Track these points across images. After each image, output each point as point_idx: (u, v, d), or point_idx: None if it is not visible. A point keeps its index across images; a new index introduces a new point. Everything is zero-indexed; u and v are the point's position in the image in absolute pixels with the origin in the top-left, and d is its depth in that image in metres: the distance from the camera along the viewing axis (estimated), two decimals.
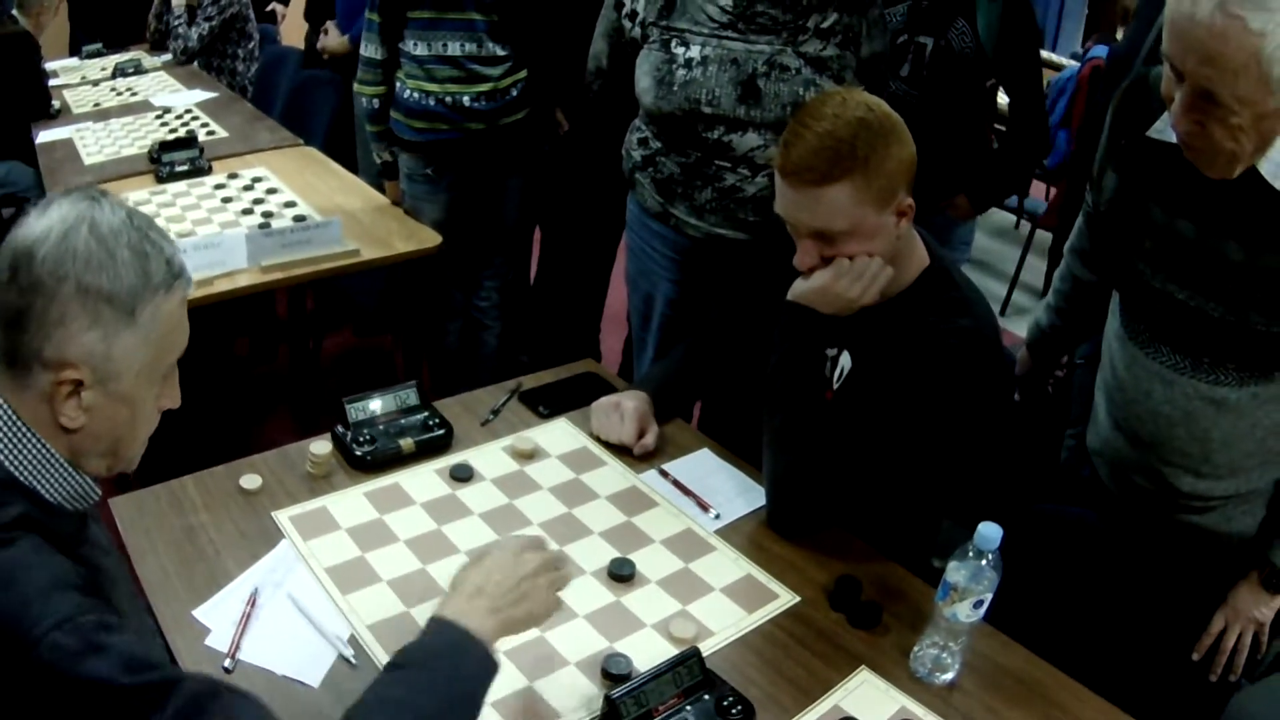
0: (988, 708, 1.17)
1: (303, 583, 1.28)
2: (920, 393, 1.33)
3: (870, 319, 1.37)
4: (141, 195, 2.61)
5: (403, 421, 1.55)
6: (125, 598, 1.02)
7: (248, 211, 2.55)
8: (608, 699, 1.05)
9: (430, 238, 2.46)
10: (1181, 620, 1.45)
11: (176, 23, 3.90)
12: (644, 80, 1.85)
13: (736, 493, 1.50)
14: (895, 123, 1.30)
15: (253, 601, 1.23)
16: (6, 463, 0.85)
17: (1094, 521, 1.59)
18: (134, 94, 3.59)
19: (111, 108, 3.45)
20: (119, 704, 0.78)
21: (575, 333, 3.01)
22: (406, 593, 1.27)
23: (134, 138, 3.08)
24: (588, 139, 2.65)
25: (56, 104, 3.41)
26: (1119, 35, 3.59)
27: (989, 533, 1.13)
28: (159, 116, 3.31)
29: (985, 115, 2.43)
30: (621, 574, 1.31)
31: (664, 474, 1.53)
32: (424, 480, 1.48)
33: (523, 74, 2.50)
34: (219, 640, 1.18)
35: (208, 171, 2.78)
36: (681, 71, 1.79)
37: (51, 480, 0.88)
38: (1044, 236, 4.37)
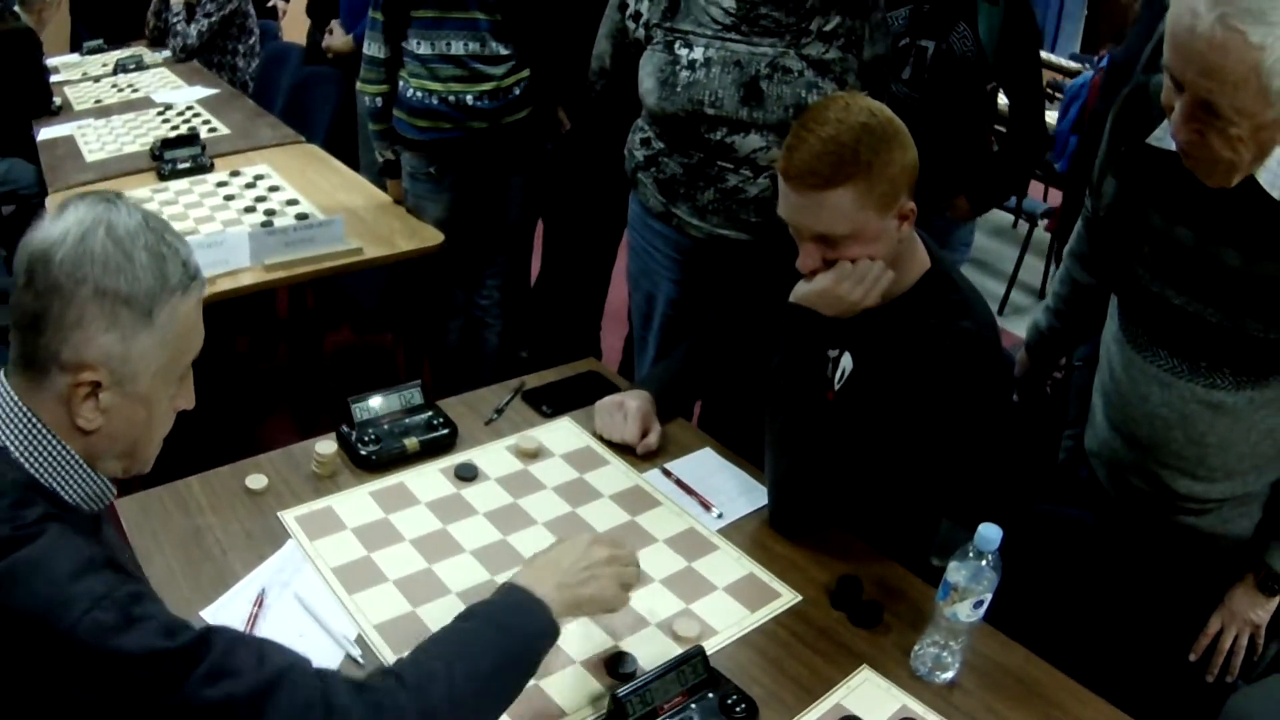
0: (987, 707, 1.18)
1: (309, 583, 1.29)
2: (920, 394, 1.34)
3: (872, 321, 1.39)
4: (144, 193, 2.60)
5: (407, 421, 1.56)
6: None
7: (250, 209, 2.55)
8: (614, 697, 1.06)
9: (432, 236, 2.47)
10: (1179, 621, 1.47)
11: (175, 20, 3.90)
12: (647, 81, 1.86)
13: (738, 492, 1.52)
14: (898, 128, 1.31)
15: (260, 602, 1.24)
16: (26, 464, 0.86)
17: (1092, 523, 1.60)
18: (135, 90, 3.59)
19: (113, 104, 3.45)
20: (163, 668, 0.80)
21: (576, 331, 3.02)
22: (413, 592, 1.28)
23: (135, 135, 3.09)
24: (589, 138, 2.66)
25: (58, 100, 3.41)
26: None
27: (989, 534, 1.14)
28: (160, 113, 3.31)
29: (985, 118, 2.44)
30: None
31: (667, 473, 1.54)
32: (429, 480, 1.49)
33: (525, 73, 2.51)
34: None
35: (210, 169, 2.78)
36: (685, 73, 1.80)
37: (71, 481, 0.89)
38: (1042, 236, 4.39)
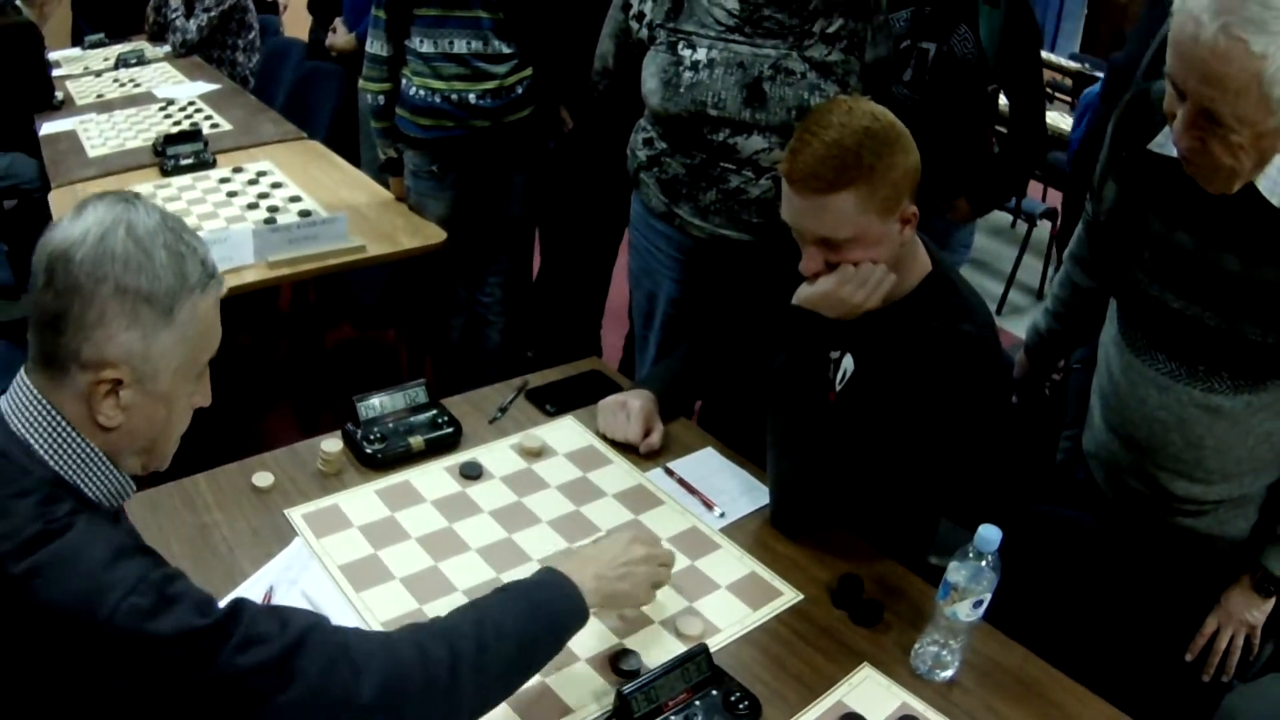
0: (986, 705, 1.20)
1: (317, 580, 1.29)
2: (921, 395, 1.35)
3: (873, 323, 1.40)
4: (147, 189, 2.61)
5: (412, 419, 1.57)
6: None
7: (253, 206, 2.56)
8: (619, 694, 1.08)
9: (435, 234, 2.47)
10: (1175, 621, 1.48)
11: (174, 15, 3.90)
12: (650, 81, 1.87)
13: (740, 491, 1.53)
14: (900, 132, 1.32)
15: (268, 598, 1.25)
16: (51, 461, 0.87)
17: (1090, 524, 1.62)
18: (137, 85, 3.60)
19: (114, 99, 3.45)
20: (199, 646, 0.82)
21: (577, 329, 3.03)
22: (419, 590, 1.29)
23: (138, 130, 3.09)
24: (592, 137, 2.66)
25: (59, 95, 3.41)
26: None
27: (989, 534, 1.15)
28: (162, 108, 3.32)
29: (986, 120, 2.45)
30: None
31: (669, 472, 1.55)
32: (434, 478, 1.50)
33: (528, 72, 2.51)
34: None
35: (212, 165, 2.79)
36: (688, 74, 1.81)
37: (94, 477, 0.90)
38: (1041, 236, 4.40)
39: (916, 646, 1.24)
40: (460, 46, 2.40)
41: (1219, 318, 1.30)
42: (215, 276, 0.94)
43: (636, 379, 1.99)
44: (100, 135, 3.05)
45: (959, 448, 1.44)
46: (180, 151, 2.77)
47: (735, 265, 1.90)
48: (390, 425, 1.55)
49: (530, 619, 1.03)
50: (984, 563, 1.16)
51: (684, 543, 1.41)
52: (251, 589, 1.27)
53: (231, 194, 2.63)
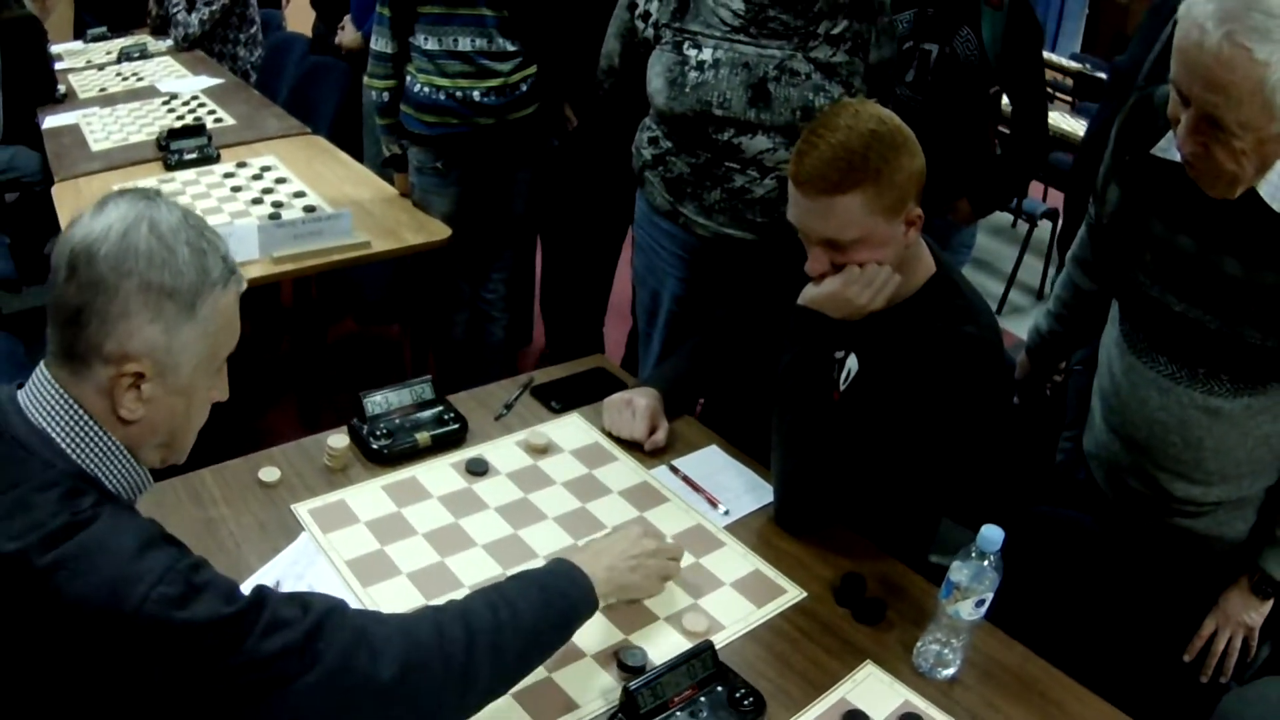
0: (987, 703, 1.21)
1: (324, 575, 1.30)
2: (924, 396, 1.37)
3: (877, 324, 1.41)
4: (150, 183, 2.60)
5: (418, 415, 1.58)
6: None
7: (257, 201, 2.56)
8: (626, 690, 1.09)
9: (440, 230, 2.48)
10: (1174, 622, 1.49)
11: (176, 9, 3.90)
12: (656, 81, 1.88)
13: (744, 489, 1.54)
14: (906, 135, 1.33)
15: None
16: (72, 454, 0.88)
17: (1090, 524, 1.63)
18: (140, 79, 3.59)
19: (117, 93, 3.44)
20: (227, 633, 0.83)
21: (580, 326, 3.04)
22: (426, 585, 1.29)
23: (141, 124, 3.09)
24: (596, 135, 2.67)
25: (62, 88, 3.41)
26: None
27: (991, 534, 1.17)
28: (166, 103, 3.31)
29: (988, 121, 2.46)
30: None
31: (674, 470, 1.56)
32: (440, 474, 1.51)
33: (532, 70, 2.52)
34: None
35: (216, 160, 2.79)
36: (694, 73, 1.82)
37: (114, 470, 0.91)
38: (1041, 236, 4.41)
39: (919, 645, 1.25)
40: (464, 44, 2.41)
41: (1220, 321, 1.31)
42: (236, 273, 0.96)
43: (639, 376, 2.00)
44: (103, 129, 3.05)
45: (961, 448, 1.45)
46: (184, 146, 2.77)
47: (739, 264, 1.91)
48: (396, 421, 1.56)
49: (543, 605, 1.06)
50: (986, 562, 1.17)
51: (689, 540, 1.42)
52: (258, 583, 1.27)
53: (235, 189, 2.63)
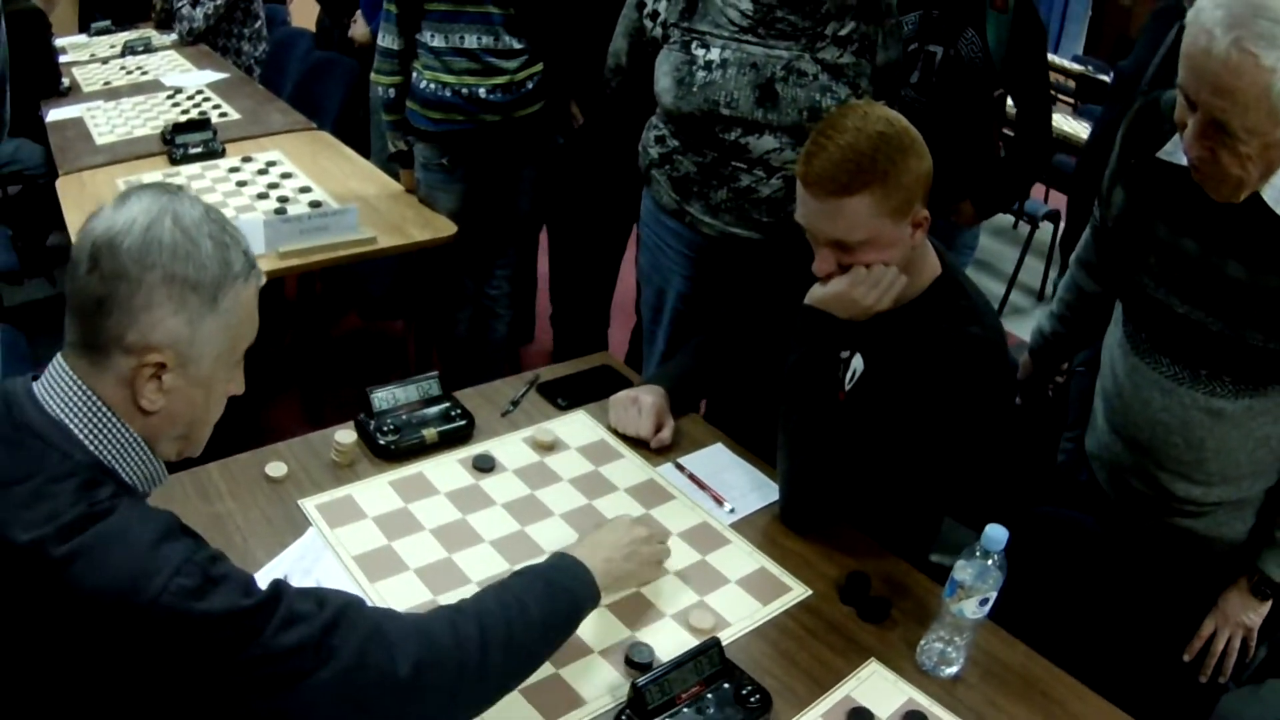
0: (989, 701, 1.22)
1: (331, 570, 1.30)
2: (929, 396, 1.38)
3: (883, 324, 1.42)
4: (156, 178, 2.62)
5: (425, 412, 1.58)
6: None
7: (263, 196, 2.57)
8: (634, 686, 1.10)
9: (445, 226, 2.48)
10: (1174, 622, 1.50)
11: (180, 4, 3.89)
12: (664, 80, 1.88)
13: (750, 487, 1.55)
14: (914, 137, 1.34)
15: None
16: (90, 445, 0.88)
17: (1091, 525, 1.64)
18: (144, 73, 3.59)
19: (122, 86, 3.44)
20: (245, 625, 0.83)
21: (586, 324, 3.05)
22: (433, 581, 1.30)
23: (145, 118, 3.09)
24: (602, 133, 2.68)
25: (66, 81, 3.41)
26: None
27: (996, 534, 1.18)
28: (170, 97, 3.31)
29: (992, 124, 2.47)
30: None
31: (680, 468, 1.57)
32: (447, 470, 1.51)
33: (538, 67, 2.52)
34: None
35: (221, 154, 2.79)
36: (701, 73, 1.83)
37: (131, 462, 0.91)
38: (1042, 238, 4.42)
39: (922, 643, 1.26)
40: (471, 41, 2.41)
41: (1222, 323, 1.32)
42: (255, 267, 0.96)
43: (644, 374, 2.01)
44: (108, 122, 3.05)
45: (965, 448, 1.46)
46: (189, 140, 2.78)
47: (744, 263, 1.92)
48: (404, 417, 1.56)
49: (549, 599, 1.08)
50: (990, 561, 1.18)
51: (695, 537, 1.43)
52: (266, 578, 1.27)
53: (241, 183, 2.64)
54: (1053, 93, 4.13)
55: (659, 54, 1.90)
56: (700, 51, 1.83)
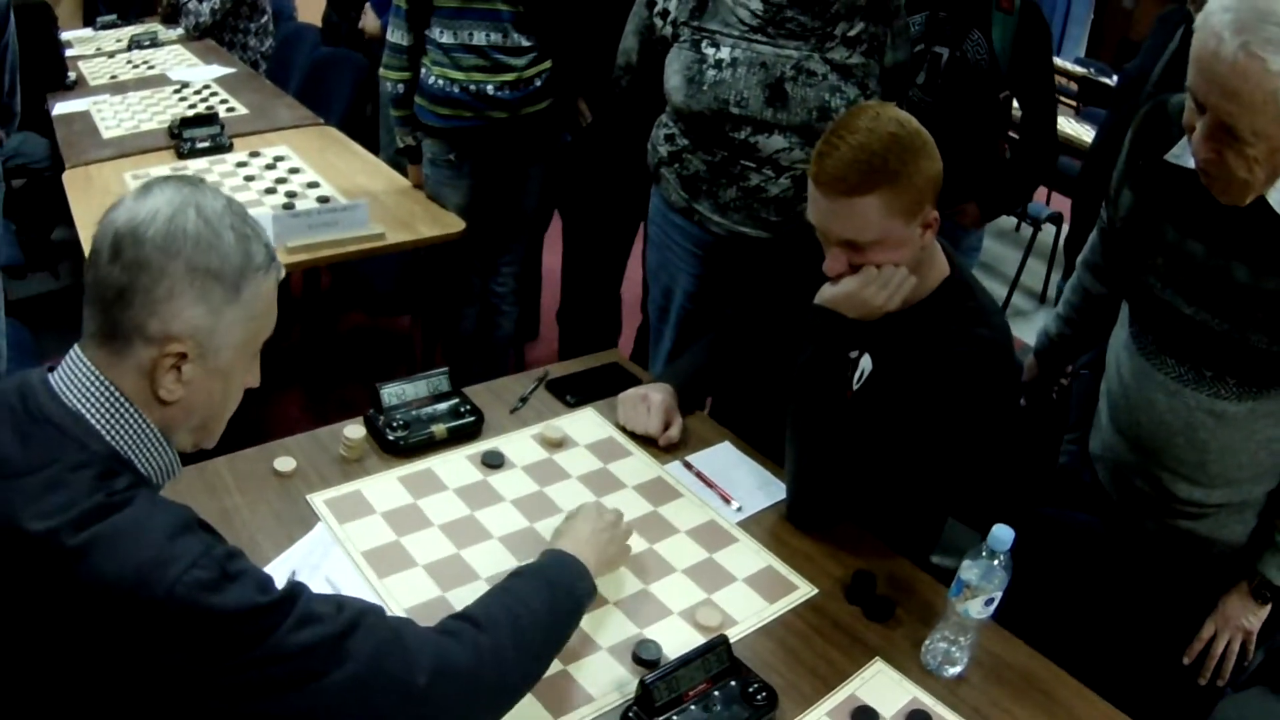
0: (992, 701, 1.22)
1: (339, 566, 1.30)
2: (936, 397, 1.38)
3: (892, 324, 1.42)
4: (163, 172, 2.62)
5: (434, 407, 1.59)
6: None
7: (271, 191, 2.57)
8: (642, 683, 1.10)
9: (454, 223, 2.49)
10: (1175, 624, 1.51)
11: None
12: (674, 79, 1.89)
13: (757, 486, 1.56)
14: (926, 139, 1.35)
15: None
16: (107, 435, 0.88)
17: (1093, 526, 1.65)
18: (150, 67, 3.59)
19: (128, 80, 3.44)
20: (260, 622, 0.83)
21: (592, 321, 3.05)
22: (442, 577, 1.30)
23: (152, 112, 3.09)
24: (610, 131, 2.68)
25: (72, 75, 3.40)
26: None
27: (1002, 534, 1.18)
28: (177, 91, 3.31)
29: (998, 126, 2.47)
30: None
31: (688, 466, 1.58)
32: (456, 466, 1.52)
33: (547, 65, 2.53)
34: None
35: (229, 149, 2.79)
36: (711, 72, 1.83)
37: (147, 453, 0.91)
38: (1045, 240, 4.43)
39: (927, 643, 1.27)
40: (479, 38, 2.42)
41: (1227, 324, 1.33)
42: (275, 260, 0.97)
43: (649, 372, 2.01)
44: (114, 116, 3.05)
45: (970, 449, 1.47)
46: (196, 134, 2.78)
47: (752, 262, 1.92)
48: (413, 413, 1.57)
49: (551, 596, 1.09)
50: (996, 561, 1.19)
51: (702, 535, 1.44)
52: (274, 574, 1.27)
53: (249, 178, 2.64)
54: (1056, 95, 4.13)
55: (669, 52, 1.91)
56: (710, 50, 1.84)
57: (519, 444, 1.58)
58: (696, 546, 1.41)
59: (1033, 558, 1.36)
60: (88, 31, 4.16)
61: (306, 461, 1.49)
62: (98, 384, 0.89)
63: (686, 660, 1.14)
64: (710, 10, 1.85)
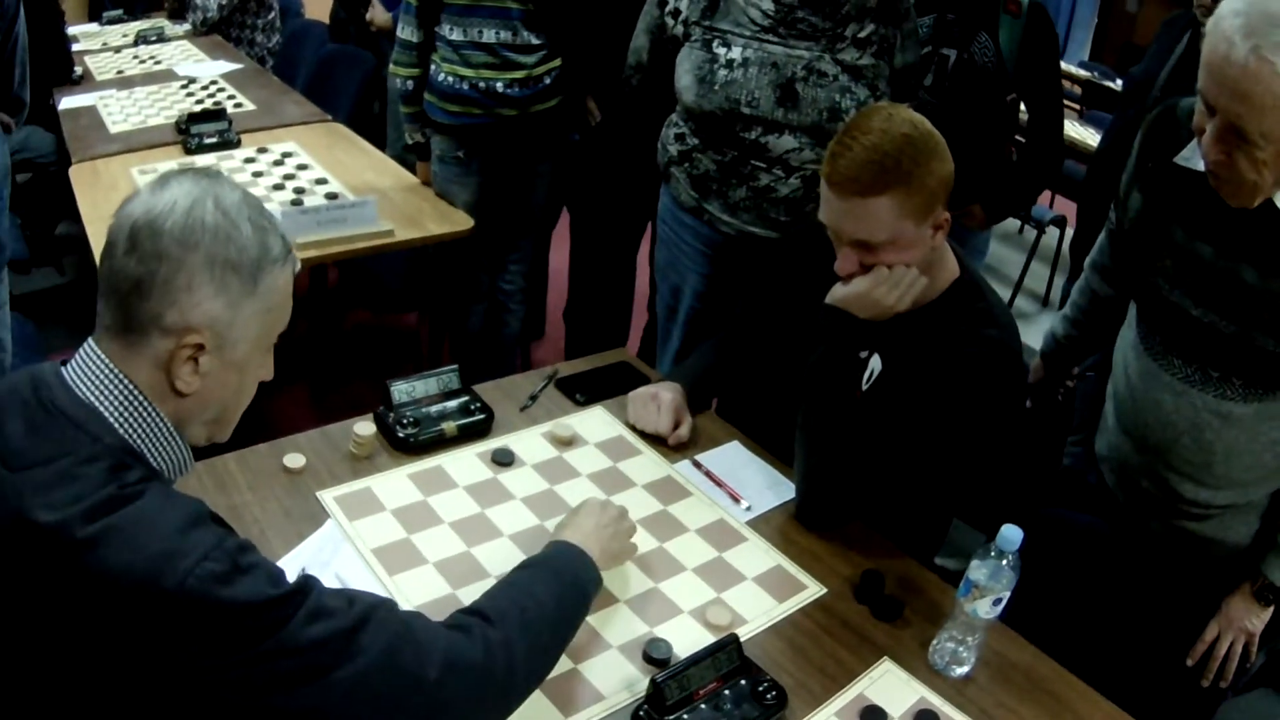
0: (998, 701, 1.23)
1: (349, 563, 1.31)
2: (944, 397, 1.39)
3: (902, 325, 1.43)
4: (171, 167, 2.61)
5: (444, 405, 1.59)
6: None
7: (279, 187, 2.57)
8: (653, 682, 1.10)
9: (462, 220, 2.49)
10: (1179, 625, 1.52)
11: None
12: (685, 78, 1.89)
13: (766, 485, 1.56)
14: (938, 141, 1.36)
15: None
16: (120, 428, 0.88)
17: (1098, 528, 1.65)
18: (157, 62, 3.59)
19: (135, 76, 3.44)
20: (271, 614, 0.83)
21: (601, 320, 3.05)
22: (452, 574, 1.31)
23: (159, 107, 3.09)
24: (619, 130, 2.68)
25: (78, 70, 3.41)
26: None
27: (1010, 534, 1.19)
28: (184, 86, 3.31)
29: (1005, 128, 2.47)
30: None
31: (697, 465, 1.58)
32: (466, 464, 1.52)
33: (556, 62, 2.53)
34: None
35: (236, 145, 2.79)
36: (723, 71, 1.84)
37: (159, 446, 0.91)
38: (1049, 243, 4.43)
39: (935, 642, 1.27)
40: (489, 36, 2.42)
41: (1235, 326, 1.34)
42: (291, 253, 0.97)
43: (659, 370, 2.02)
44: (121, 112, 3.05)
45: (977, 450, 1.47)
46: (204, 130, 2.78)
47: (761, 262, 1.92)
48: (423, 410, 1.57)
49: (559, 588, 1.09)
50: (1005, 561, 1.19)
51: (712, 534, 1.44)
52: (283, 569, 1.28)
53: (257, 174, 2.64)
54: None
55: (680, 52, 1.91)
56: (721, 50, 1.84)
57: (529, 442, 1.59)
58: (706, 545, 1.42)
59: (1038, 559, 1.36)
60: (94, 26, 4.16)
61: (316, 458, 1.49)
62: (111, 377, 0.89)
63: (697, 659, 1.14)
64: (722, 10, 1.86)
